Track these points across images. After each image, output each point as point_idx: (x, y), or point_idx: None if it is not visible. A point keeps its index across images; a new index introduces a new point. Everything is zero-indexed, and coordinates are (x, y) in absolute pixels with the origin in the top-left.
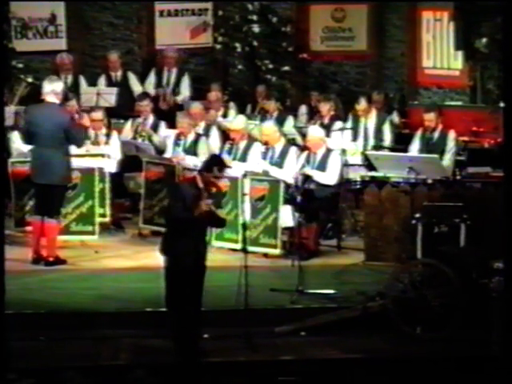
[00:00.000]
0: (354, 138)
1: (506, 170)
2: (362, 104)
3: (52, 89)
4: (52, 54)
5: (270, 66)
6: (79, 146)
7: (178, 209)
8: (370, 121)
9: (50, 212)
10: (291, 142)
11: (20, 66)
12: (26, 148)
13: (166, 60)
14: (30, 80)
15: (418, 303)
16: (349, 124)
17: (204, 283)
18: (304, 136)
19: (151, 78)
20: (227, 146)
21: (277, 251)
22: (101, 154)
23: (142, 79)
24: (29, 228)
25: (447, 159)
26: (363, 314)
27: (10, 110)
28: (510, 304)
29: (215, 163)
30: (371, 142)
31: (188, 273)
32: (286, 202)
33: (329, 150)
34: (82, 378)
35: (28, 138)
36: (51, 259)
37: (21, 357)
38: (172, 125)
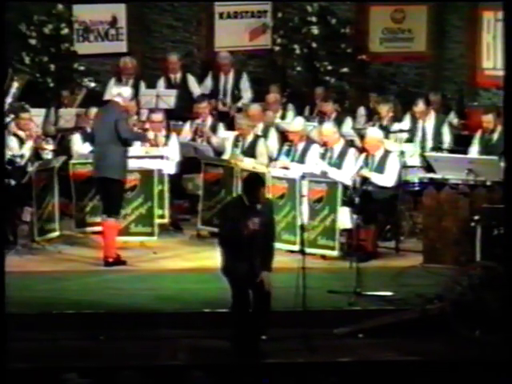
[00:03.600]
0: (412, 139)
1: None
2: (419, 106)
3: (119, 92)
4: (113, 57)
5: (329, 68)
6: (129, 144)
7: (226, 229)
8: (429, 122)
9: (108, 210)
10: (349, 143)
11: (81, 68)
12: (86, 149)
13: (221, 66)
14: (92, 84)
15: (476, 306)
16: (407, 125)
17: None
18: (362, 138)
19: (208, 82)
20: (286, 147)
21: (335, 253)
22: (160, 156)
23: (201, 81)
24: (90, 229)
25: None
26: (422, 316)
27: (70, 113)
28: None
29: (258, 183)
30: (430, 143)
31: (248, 284)
32: (344, 203)
33: (387, 152)
34: (141, 377)
35: (93, 138)
36: (110, 260)
37: (80, 356)
38: (231, 126)
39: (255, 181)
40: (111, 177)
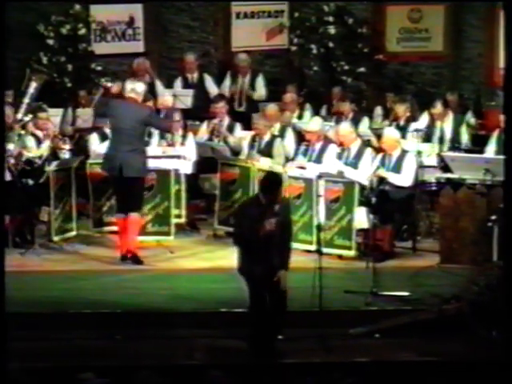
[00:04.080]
0: (430, 139)
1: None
2: (437, 108)
3: (132, 87)
4: (130, 57)
5: (346, 68)
6: (168, 131)
7: (242, 229)
8: (447, 123)
9: (131, 206)
10: (366, 143)
11: (99, 68)
12: (104, 149)
13: (239, 67)
14: (108, 84)
15: (494, 306)
16: (423, 124)
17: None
18: (379, 137)
19: (227, 82)
20: (303, 147)
21: (351, 253)
22: (177, 156)
23: (218, 81)
24: (107, 228)
25: None
26: (438, 316)
27: (88, 113)
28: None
29: (275, 182)
30: (447, 143)
31: (264, 282)
32: (361, 203)
33: (404, 152)
34: (157, 377)
35: (101, 115)
36: (129, 255)
37: (97, 355)
38: (247, 126)
39: (273, 180)
40: (133, 176)
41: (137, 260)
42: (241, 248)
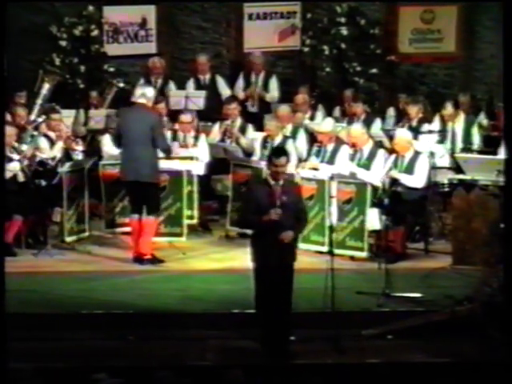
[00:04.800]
0: (442, 140)
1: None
2: (448, 109)
3: (143, 92)
4: (142, 58)
5: (358, 69)
6: (162, 148)
7: (247, 210)
8: (458, 124)
9: (149, 210)
10: (378, 144)
11: (111, 69)
12: (116, 151)
13: (253, 65)
14: (121, 85)
15: (506, 307)
16: (436, 126)
17: (292, 285)
18: (391, 139)
19: (240, 82)
20: (315, 148)
21: (363, 254)
22: (189, 157)
23: (230, 82)
24: (119, 229)
25: None
26: (451, 318)
27: (100, 114)
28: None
29: (273, 153)
30: (459, 144)
31: (273, 275)
32: (373, 204)
33: (417, 153)
34: (169, 377)
35: (119, 139)
36: (146, 257)
37: (110, 356)
38: (260, 127)
39: (280, 148)
40: (147, 180)
41: (156, 260)
42: (242, 227)
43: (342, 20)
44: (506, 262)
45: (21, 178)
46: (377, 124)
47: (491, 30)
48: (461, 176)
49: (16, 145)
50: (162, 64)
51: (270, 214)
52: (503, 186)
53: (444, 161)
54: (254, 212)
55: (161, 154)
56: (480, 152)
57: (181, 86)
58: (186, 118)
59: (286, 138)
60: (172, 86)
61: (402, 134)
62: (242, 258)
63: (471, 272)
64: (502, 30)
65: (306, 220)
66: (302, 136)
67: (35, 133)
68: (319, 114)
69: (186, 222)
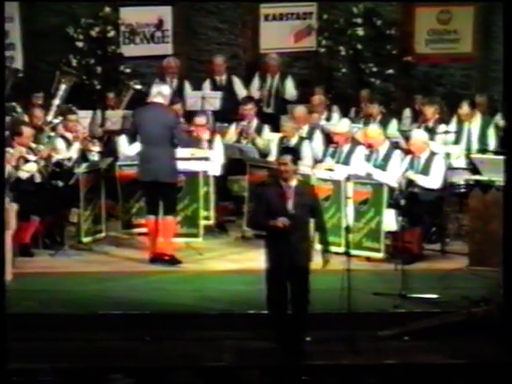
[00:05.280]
0: (458, 141)
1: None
2: (464, 109)
3: (159, 91)
4: (158, 59)
5: (374, 70)
6: (181, 146)
7: (257, 211)
8: (475, 124)
9: (167, 210)
10: (395, 145)
11: (127, 70)
12: (133, 151)
13: (269, 67)
14: (137, 86)
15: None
16: (453, 127)
17: (308, 286)
18: (408, 139)
19: (255, 83)
20: (331, 149)
21: (380, 255)
22: (205, 158)
23: (246, 83)
24: (136, 230)
25: None
26: (468, 319)
27: (117, 115)
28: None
29: (288, 151)
30: (475, 145)
31: (285, 276)
32: (390, 205)
33: (433, 154)
34: (186, 378)
35: (135, 139)
36: (167, 258)
37: (126, 356)
38: (276, 128)
39: (286, 147)
40: (165, 181)
41: (176, 261)
42: (266, 238)
43: (359, 21)
44: (506, 264)
45: (38, 178)
46: (393, 125)
47: None
48: (477, 177)
49: (33, 146)
50: (176, 64)
51: (277, 221)
52: (504, 186)
53: (460, 161)
54: (265, 213)
55: (179, 154)
56: (496, 153)
57: (197, 87)
58: (200, 119)
59: (302, 138)
60: (188, 86)
61: (418, 135)
62: (258, 259)
63: (488, 273)
64: (503, 30)
65: (325, 222)
66: (318, 137)
67: (52, 134)
68: (335, 114)
69: (202, 222)
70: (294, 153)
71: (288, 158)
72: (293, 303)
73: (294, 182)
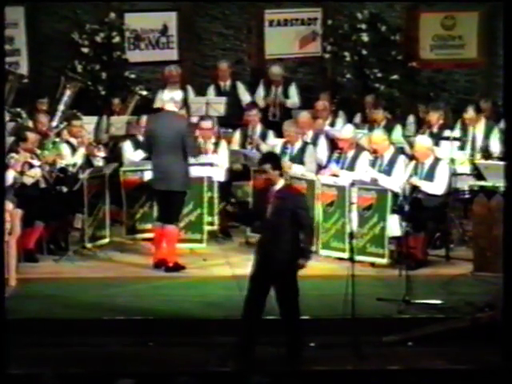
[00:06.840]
0: (463, 147)
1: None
2: (469, 113)
3: (171, 97)
4: (163, 65)
5: (379, 75)
6: (192, 154)
7: (248, 209)
8: (479, 130)
9: (170, 218)
10: (399, 151)
11: (132, 76)
12: (138, 157)
13: (272, 79)
14: (143, 93)
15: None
16: (457, 133)
17: (294, 292)
18: (412, 145)
19: (260, 91)
20: (335, 154)
21: (384, 260)
22: (209, 163)
23: (251, 89)
24: (140, 235)
25: None
26: (472, 324)
27: (122, 120)
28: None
29: (266, 159)
30: (478, 149)
31: (264, 282)
32: (394, 211)
33: (437, 160)
34: (190, 383)
35: (148, 146)
36: (170, 265)
37: (130, 362)
38: (280, 134)
39: (264, 155)
40: (177, 190)
41: (179, 267)
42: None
43: (363, 26)
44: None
45: (42, 184)
46: (398, 130)
47: None
48: (482, 182)
49: (38, 151)
50: (178, 72)
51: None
52: (505, 191)
53: (464, 167)
54: (253, 214)
55: (191, 161)
56: (501, 158)
57: (202, 92)
58: (206, 124)
59: (305, 143)
60: (190, 93)
61: (422, 141)
62: None
63: (492, 279)
64: (503, 30)
65: (309, 226)
66: (322, 142)
67: (57, 139)
68: (340, 120)
69: (206, 228)
70: (272, 159)
71: (267, 166)
72: (279, 308)
73: (277, 186)
